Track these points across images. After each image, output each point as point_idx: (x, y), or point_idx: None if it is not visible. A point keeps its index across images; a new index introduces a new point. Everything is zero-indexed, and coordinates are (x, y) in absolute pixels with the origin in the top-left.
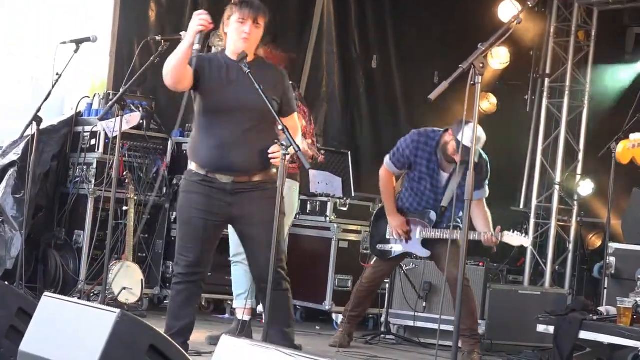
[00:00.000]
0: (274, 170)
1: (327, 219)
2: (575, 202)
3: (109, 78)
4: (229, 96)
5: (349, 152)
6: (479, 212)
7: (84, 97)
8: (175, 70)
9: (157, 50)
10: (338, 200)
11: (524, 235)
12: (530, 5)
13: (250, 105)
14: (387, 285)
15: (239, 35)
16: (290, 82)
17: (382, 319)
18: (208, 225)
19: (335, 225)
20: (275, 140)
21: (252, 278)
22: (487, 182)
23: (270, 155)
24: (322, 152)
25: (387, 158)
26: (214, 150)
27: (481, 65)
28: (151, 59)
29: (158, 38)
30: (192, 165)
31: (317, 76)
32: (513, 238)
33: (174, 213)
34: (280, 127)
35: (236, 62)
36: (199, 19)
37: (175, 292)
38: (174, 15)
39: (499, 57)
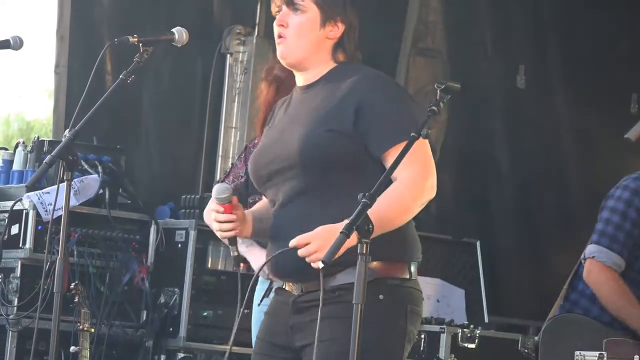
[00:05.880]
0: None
1: None
2: None
3: (55, 113)
4: None
5: (478, 242)
6: None
7: None
8: None
9: (133, 61)
10: (460, 331)
11: None
12: None
13: None
14: None
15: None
16: None
17: None
18: None
19: None
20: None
21: None
22: None
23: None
24: None
25: (594, 248)
26: None
27: None
28: (121, 76)
29: (132, 39)
30: None
31: None
32: None
33: (163, 358)
34: None
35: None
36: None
37: None
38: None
39: None
